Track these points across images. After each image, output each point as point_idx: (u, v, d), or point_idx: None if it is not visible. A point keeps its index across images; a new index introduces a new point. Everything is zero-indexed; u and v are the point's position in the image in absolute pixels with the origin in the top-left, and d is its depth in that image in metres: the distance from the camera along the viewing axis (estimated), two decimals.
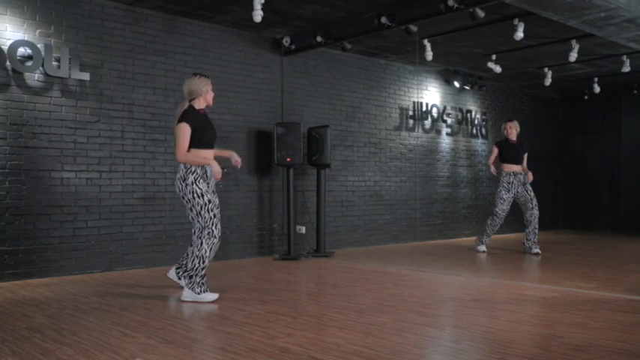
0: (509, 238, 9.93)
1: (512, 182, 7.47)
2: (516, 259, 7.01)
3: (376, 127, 8.67)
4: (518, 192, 7.46)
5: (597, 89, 9.98)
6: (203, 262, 4.41)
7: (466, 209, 10.00)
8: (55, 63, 5.65)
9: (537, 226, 7.48)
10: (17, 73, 5.46)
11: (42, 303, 4.38)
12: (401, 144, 9.02)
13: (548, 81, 9.24)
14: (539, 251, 7.41)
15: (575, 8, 5.31)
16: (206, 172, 4.48)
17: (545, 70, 9.16)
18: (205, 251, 4.41)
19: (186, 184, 4.39)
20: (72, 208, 5.78)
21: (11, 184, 5.43)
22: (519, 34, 6.49)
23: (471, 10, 5.74)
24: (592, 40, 7.29)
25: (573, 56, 7.50)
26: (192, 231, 4.60)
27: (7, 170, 5.41)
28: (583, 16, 5.53)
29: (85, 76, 5.82)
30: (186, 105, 4.55)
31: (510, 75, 9.79)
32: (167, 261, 6.39)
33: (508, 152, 7.49)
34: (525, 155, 7.59)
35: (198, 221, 4.45)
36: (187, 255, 4.66)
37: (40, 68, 5.56)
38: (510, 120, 7.65)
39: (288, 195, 7.15)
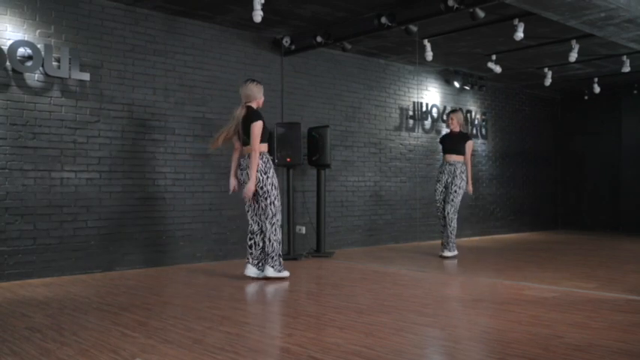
0: (510, 238, 9.95)
1: (443, 171, 7.21)
2: (516, 259, 7.01)
3: (376, 127, 8.67)
4: (447, 182, 7.15)
5: (597, 89, 9.97)
6: (279, 244, 5.31)
7: (466, 209, 9.98)
8: (55, 63, 5.65)
9: (449, 228, 7.02)
10: (17, 73, 5.46)
11: (42, 303, 4.38)
12: (401, 144, 9.02)
13: (548, 81, 9.24)
14: (446, 255, 7.04)
15: (575, 8, 5.31)
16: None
17: (545, 70, 9.15)
18: (278, 235, 5.30)
19: (267, 177, 5.23)
20: (72, 208, 5.78)
21: (11, 184, 5.43)
22: (519, 34, 6.49)
23: (471, 10, 5.74)
24: (592, 40, 7.29)
25: (573, 56, 7.50)
26: (253, 221, 5.37)
27: (7, 170, 5.41)
28: (583, 16, 5.53)
29: (85, 76, 5.82)
30: (245, 106, 5.32)
31: (510, 75, 9.79)
32: (167, 261, 6.39)
33: (446, 142, 7.32)
34: (466, 145, 7.15)
35: (270, 210, 5.25)
36: (256, 246, 5.39)
37: (40, 68, 5.56)
38: (453, 111, 7.41)
39: (288, 195, 7.15)
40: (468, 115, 10.07)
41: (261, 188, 5.24)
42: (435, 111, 9.50)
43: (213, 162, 6.82)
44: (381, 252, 7.82)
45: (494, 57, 8.34)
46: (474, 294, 4.73)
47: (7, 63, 5.37)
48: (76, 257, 5.79)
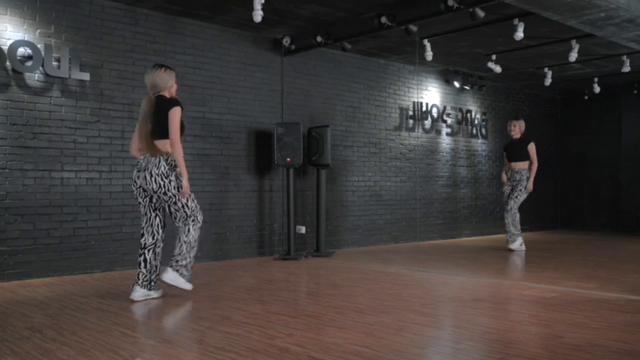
0: None
1: (513, 179, 7.85)
2: (516, 259, 7.01)
3: (376, 127, 8.67)
4: (513, 186, 7.85)
5: (597, 89, 9.98)
6: (191, 248, 4.53)
7: (466, 209, 9.99)
8: (55, 63, 5.65)
9: (508, 221, 7.73)
10: (17, 73, 5.46)
11: (42, 303, 4.38)
12: (401, 144, 9.02)
13: (548, 81, 9.25)
14: (511, 248, 7.72)
15: (575, 8, 5.31)
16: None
17: (545, 70, 9.16)
18: (193, 237, 4.53)
19: (170, 180, 4.32)
20: (72, 208, 5.78)
21: (11, 184, 5.43)
22: (519, 34, 6.50)
23: (471, 10, 5.74)
24: (592, 40, 7.29)
25: (573, 56, 7.50)
26: (147, 232, 4.52)
27: (7, 170, 5.41)
28: (583, 16, 5.53)
29: (85, 76, 5.82)
30: (155, 97, 4.45)
31: (510, 75, 9.79)
32: (167, 261, 6.37)
33: (510, 150, 7.97)
34: (529, 148, 7.81)
35: (184, 212, 4.45)
36: (146, 263, 4.53)
37: (40, 68, 5.56)
38: (516, 118, 8.07)
39: (288, 195, 7.15)
40: (468, 114, 10.07)
41: (165, 194, 4.34)
42: (435, 111, 9.50)
43: (214, 162, 6.82)
44: (381, 252, 7.82)
45: (494, 57, 8.34)
46: (474, 294, 4.73)
47: (7, 63, 5.37)
48: (76, 257, 5.79)
